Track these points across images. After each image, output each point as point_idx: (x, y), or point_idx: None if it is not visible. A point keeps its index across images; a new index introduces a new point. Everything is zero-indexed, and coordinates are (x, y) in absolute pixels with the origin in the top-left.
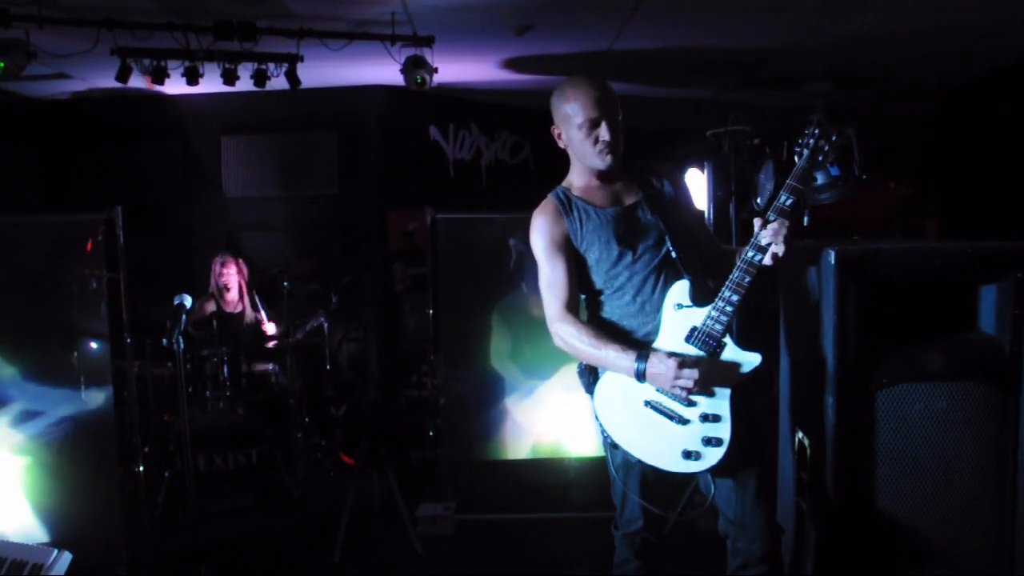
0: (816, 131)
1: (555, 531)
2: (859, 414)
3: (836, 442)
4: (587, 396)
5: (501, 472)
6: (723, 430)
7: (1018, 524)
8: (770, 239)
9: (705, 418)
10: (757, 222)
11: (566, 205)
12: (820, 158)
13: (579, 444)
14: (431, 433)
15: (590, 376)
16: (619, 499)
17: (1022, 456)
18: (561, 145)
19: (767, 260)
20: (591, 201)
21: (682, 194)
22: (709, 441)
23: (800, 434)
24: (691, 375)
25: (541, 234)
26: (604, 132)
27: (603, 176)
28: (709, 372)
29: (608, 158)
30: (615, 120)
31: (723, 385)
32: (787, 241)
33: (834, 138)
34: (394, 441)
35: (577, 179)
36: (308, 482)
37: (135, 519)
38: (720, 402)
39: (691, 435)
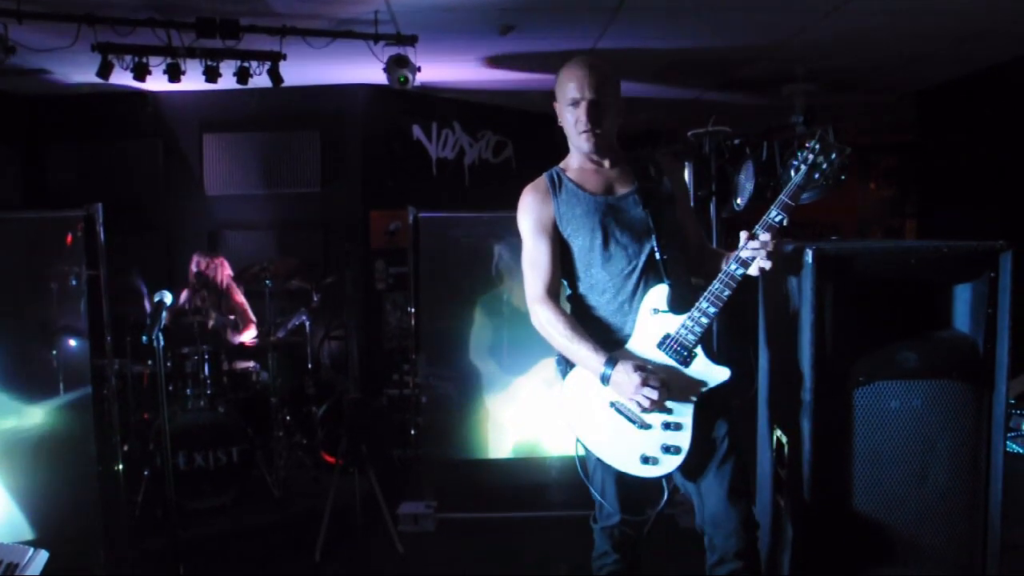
0: (817, 146)
1: (536, 529)
2: (836, 412)
3: (813, 439)
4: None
5: (483, 470)
6: (683, 439)
7: (991, 519)
8: (754, 254)
9: (667, 426)
10: (743, 235)
11: (557, 186)
12: (817, 176)
13: (560, 442)
14: (412, 432)
15: (567, 365)
16: (598, 493)
17: (995, 452)
18: (560, 123)
19: (753, 271)
20: (583, 185)
21: (679, 190)
22: (668, 449)
23: (778, 431)
24: (650, 394)
25: (529, 212)
26: (582, 114)
27: (598, 161)
28: (674, 384)
29: (587, 142)
30: (601, 104)
31: (689, 395)
32: (772, 256)
33: (834, 156)
34: (375, 440)
35: (573, 160)
36: (289, 481)
37: (114, 517)
38: (683, 412)
39: (651, 441)
